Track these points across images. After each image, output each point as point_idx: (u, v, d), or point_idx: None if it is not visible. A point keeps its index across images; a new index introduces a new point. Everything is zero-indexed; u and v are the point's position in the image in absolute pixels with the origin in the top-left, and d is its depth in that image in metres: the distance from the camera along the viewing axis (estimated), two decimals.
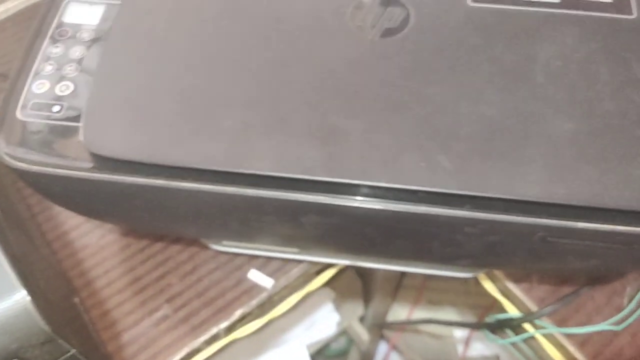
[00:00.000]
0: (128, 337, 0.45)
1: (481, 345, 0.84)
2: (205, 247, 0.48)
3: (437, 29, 0.38)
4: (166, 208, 0.36)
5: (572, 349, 0.43)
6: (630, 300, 0.44)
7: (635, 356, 0.43)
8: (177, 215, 0.37)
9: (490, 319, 0.49)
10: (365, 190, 0.33)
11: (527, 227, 0.32)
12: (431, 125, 0.34)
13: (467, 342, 0.84)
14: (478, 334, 0.77)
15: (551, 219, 0.32)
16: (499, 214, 0.32)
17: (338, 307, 0.89)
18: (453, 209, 0.32)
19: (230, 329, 0.46)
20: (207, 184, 0.33)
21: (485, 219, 0.32)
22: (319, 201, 0.33)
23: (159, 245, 0.49)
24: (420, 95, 0.35)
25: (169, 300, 0.46)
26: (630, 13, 0.38)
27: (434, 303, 0.86)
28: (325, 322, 0.86)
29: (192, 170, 0.33)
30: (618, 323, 0.43)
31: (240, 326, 0.46)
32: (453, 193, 0.32)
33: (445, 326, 0.77)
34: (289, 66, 0.37)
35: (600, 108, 0.34)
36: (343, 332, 0.90)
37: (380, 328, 0.91)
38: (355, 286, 0.92)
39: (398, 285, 0.84)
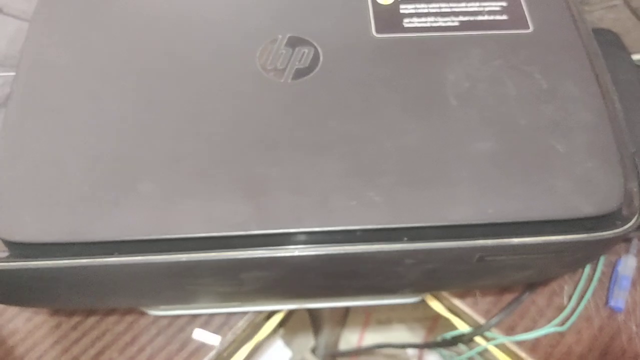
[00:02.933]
0: None
1: (434, 358, 0.84)
2: (143, 314, 0.45)
3: (347, 64, 0.38)
4: (95, 286, 0.34)
5: (523, 355, 0.44)
6: (569, 299, 0.46)
7: (584, 353, 0.44)
8: (107, 291, 0.35)
9: (442, 337, 0.49)
10: (301, 238, 0.32)
11: (464, 250, 0.32)
12: (355, 163, 0.34)
13: (419, 356, 0.84)
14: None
15: (486, 238, 0.32)
16: (435, 241, 0.32)
17: (288, 343, 0.88)
18: (390, 244, 0.32)
19: None
20: (135, 256, 0.32)
21: (422, 248, 0.32)
22: (255, 256, 0.32)
23: (92, 320, 0.46)
24: (340, 134, 0.35)
25: None
26: (527, 27, 0.40)
27: (383, 323, 0.86)
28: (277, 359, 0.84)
29: (116, 244, 0.32)
30: (562, 323, 0.45)
31: None
32: (388, 227, 0.32)
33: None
34: (203, 120, 0.36)
35: (513, 123, 0.35)
36: None
37: (333, 358, 0.90)
38: (303, 319, 0.91)
39: (345, 311, 0.84)
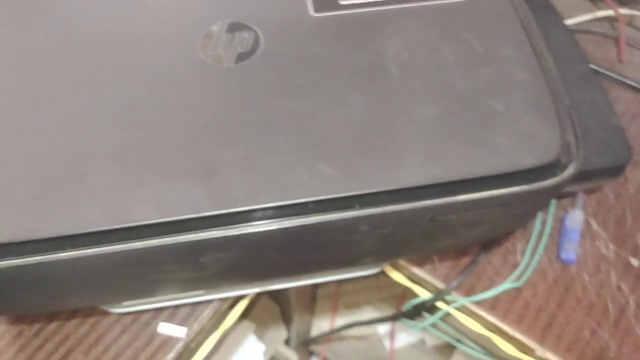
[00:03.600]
0: None
1: (405, 334, 0.86)
2: (106, 313, 0.45)
3: (287, 45, 0.39)
4: (52, 284, 0.34)
5: (483, 314, 0.45)
6: (522, 256, 0.48)
7: (541, 305, 0.46)
8: (66, 288, 0.35)
9: (406, 306, 0.51)
10: (257, 214, 0.33)
11: (415, 211, 0.33)
12: (305, 138, 0.35)
13: (391, 335, 0.86)
14: (400, 324, 0.79)
15: (435, 198, 0.33)
16: (387, 205, 0.33)
17: (261, 337, 0.88)
18: (342, 212, 0.33)
19: None
20: (88, 248, 0.31)
21: (374, 213, 0.33)
22: (210, 236, 0.32)
23: (54, 325, 0.45)
24: (287, 112, 0.36)
25: None
26: None
27: (351, 307, 0.87)
28: (251, 354, 0.85)
29: (69, 238, 0.31)
30: (517, 279, 0.46)
31: None
32: (340, 196, 0.33)
33: (367, 325, 0.78)
34: (149, 110, 0.36)
35: (453, 88, 0.37)
36: (272, 359, 0.89)
37: (306, 345, 0.90)
38: (273, 311, 0.91)
39: (313, 299, 0.84)
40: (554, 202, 0.50)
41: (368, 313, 0.86)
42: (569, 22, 0.62)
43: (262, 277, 0.42)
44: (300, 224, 0.33)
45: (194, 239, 0.32)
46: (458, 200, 0.33)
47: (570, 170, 0.34)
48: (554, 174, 0.34)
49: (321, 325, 0.88)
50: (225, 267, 0.35)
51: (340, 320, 0.87)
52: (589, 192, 0.51)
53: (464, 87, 0.37)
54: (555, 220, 0.50)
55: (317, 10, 0.40)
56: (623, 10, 0.61)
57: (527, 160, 0.34)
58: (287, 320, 0.89)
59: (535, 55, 0.38)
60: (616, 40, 0.61)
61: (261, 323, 0.89)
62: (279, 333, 0.90)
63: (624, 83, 0.57)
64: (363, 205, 0.33)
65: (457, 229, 0.36)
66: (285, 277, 0.44)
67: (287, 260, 0.37)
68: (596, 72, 0.58)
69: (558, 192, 0.36)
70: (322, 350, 0.90)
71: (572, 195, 0.51)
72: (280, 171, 0.33)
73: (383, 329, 0.87)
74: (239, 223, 0.32)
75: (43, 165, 0.33)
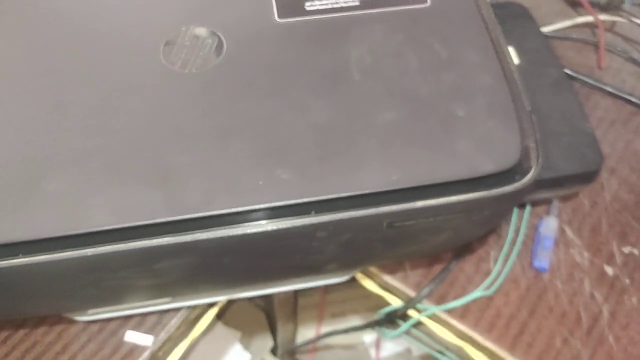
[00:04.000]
0: None
1: (391, 344, 0.85)
2: (73, 322, 0.45)
3: (251, 50, 0.39)
4: (6, 291, 0.34)
5: (454, 322, 0.45)
6: (495, 263, 0.47)
7: (513, 313, 0.45)
8: (20, 295, 0.35)
9: (379, 314, 0.50)
10: (211, 221, 0.32)
11: (372, 217, 0.33)
12: (264, 143, 0.34)
13: (377, 344, 0.85)
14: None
15: (392, 204, 0.33)
16: (341, 211, 0.32)
17: (247, 346, 0.87)
18: (298, 218, 0.32)
19: None
20: (40, 255, 0.31)
21: (330, 220, 0.32)
22: (163, 243, 0.32)
23: (21, 332, 0.45)
24: (248, 117, 0.35)
25: None
26: (424, 2, 0.41)
27: (337, 316, 0.87)
28: None
29: (23, 244, 0.31)
30: (488, 287, 0.46)
31: None
32: (296, 202, 0.33)
33: (353, 334, 0.78)
34: (110, 116, 0.35)
35: (415, 92, 0.36)
36: None
37: (292, 354, 0.90)
38: (259, 320, 0.90)
39: (295, 307, 0.84)
40: (528, 208, 0.50)
41: (354, 322, 0.85)
42: (549, 28, 0.62)
43: (225, 284, 0.42)
44: (255, 230, 0.32)
45: (148, 245, 0.32)
46: (415, 207, 0.33)
47: (530, 177, 0.34)
48: (514, 180, 0.34)
49: (307, 334, 0.88)
50: (182, 274, 0.35)
51: (326, 329, 0.86)
52: (564, 199, 0.51)
53: (426, 92, 0.36)
54: (530, 227, 0.49)
55: (281, 15, 0.40)
56: (603, 17, 0.61)
57: (486, 166, 0.33)
58: (273, 329, 0.88)
59: (499, 60, 0.38)
60: (596, 47, 0.61)
61: (247, 331, 0.88)
62: (265, 342, 0.90)
63: (602, 89, 0.57)
64: (319, 211, 0.33)
65: (418, 235, 0.36)
66: (250, 284, 0.43)
67: (246, 267, 0.36)
68: (574, 78, 0.58)
69: (519, 199, 0.36)
70: (308, 359, 0.89)
71: (547, 202, 0.50)
72: (237, 177, 0.33)
73: (369, 338, 0.86)
74: (194, 229, 0.32)
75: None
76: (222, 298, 0.45)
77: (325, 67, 0.38)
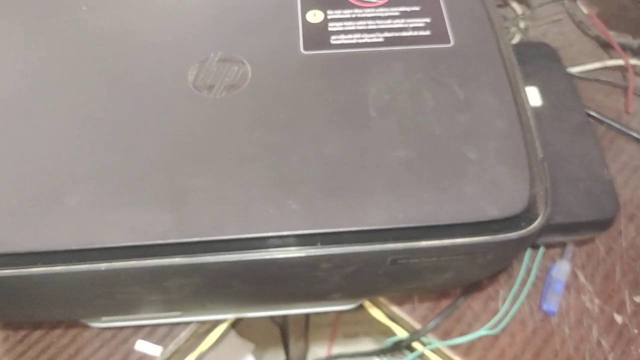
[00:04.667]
0: None
1: None
2: (88, 327, 0.46)
3: (274, 79, 0.40)
4: (24, 296, 0.35)
5: (458, 358, 0.45)
6: (504, 302, 0.47)
7: (517, 355, 0.45)
8: (38, 301, 0.37)
9: (385, 343, 0.51)
10: (220, 245, 0.34)
11: (376, 253, 0.34)
12: (277, 173, 0.35)
13: None
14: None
15: (396, 242, 0.34)
16: (347, 245, 0.33)
17: (259, 358, 0.88)
18: (303, 248, 0.33)
19: None
20: (57, 266, 0.33)
21: (335, 252, 0.33)
22: (174, 263, 0.33)
23: (38, 333, 0.47)
24: (263, 146, 0.37)
25: None
26: (448, 42, 0.42)
27: (350, 336, 0.87)
28: None
29: (40, 255, 0.33)
30: (495, 326, 0.46)
31: None
32: (304, 233, 0.34)
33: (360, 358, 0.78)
34: (132, 135, 0.37)
35: (429, 132, 0.37)
36: None
37: None
38: (273, 334, 0.91)
39: (307, 326, 0.85)
40: (541, 250, 0.50)
41: (366, 344, 0.86)
42: (579, 68, 0.61)
43: (233, 304, 0.43)
44: (262, 257, 0.33)
45: (158, 264, 0.33)
46: (419, 246, 0.33)
47: (536, 225, 0.34)
48: (519, 227, 0.34)
49: (318, 352, 0.88)
50: (191, 293, 0.36)
51: (338, 349, 0.86)
52: (579, 243, 0.50)
53: (439, 133, 0.37)
54: (542, 269, 0.49)
55: (307, 48, 0.42)
56: (634, 61, 0.61)
57: (492, 211, 0.34)
58: (286, 344, 0.89)
59: (516, 104, 0.38)
60: (625, 91, 0.60)
61: (260, 344, 0.89)
62: (277, 356, 0.90)
63: (628, 135, 0.57)
64: (325, 243, 0.34)
65: (422, 273, 0.36)
66: (257, 306, 0.44)
67: (253, 290, 0.37)
68: (601, 121, 0.58)
69: (524, 246, 0.36)
70: None
71: (562, 244, 0.50)
72: (248, 204, 0.34)
73: None
74: (203, 252, 0.33)
75: (23, 181, 0.35)
76: (230, 316, 0.46)
77: (343, 101, 0.39)
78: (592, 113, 0.58)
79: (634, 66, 0.60)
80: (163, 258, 0.33)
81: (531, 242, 0.35)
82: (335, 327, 0.88)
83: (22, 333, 0.47)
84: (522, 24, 0.65)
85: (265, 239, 0.34)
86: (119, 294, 0.36)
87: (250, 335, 0.88)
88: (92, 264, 0.33)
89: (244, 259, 0.33)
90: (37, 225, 0.33)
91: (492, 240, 0.33)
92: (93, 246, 0.33)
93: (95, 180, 0.35)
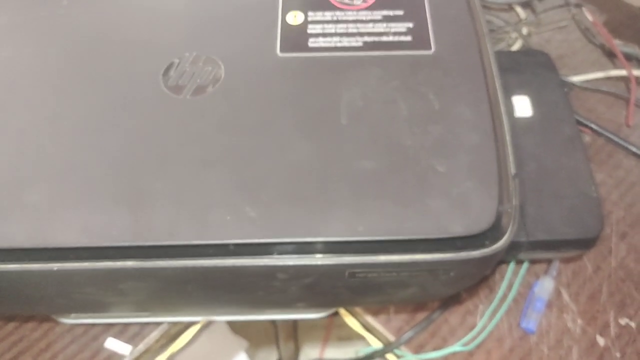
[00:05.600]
0: None
1: None
2: (59, 322, 0.46)
3: (246, 82, 0.39)
4: None
5: None
6: (481, 317, 0.46)
7: None
8: None
9: (360, 353, 0.50)
10: (174, 250, 0.33)
11: (333, 266, 0.33)
12: (239, 178, 0.35)
13: None
14: None
15: (353, 255, 0.33)
16: (303, 256, 0.32)
17: (252, 356, 0.88)
18: (258, 258, 0.33)
19: None
20: (11, 263, 0.33)
21: (291, 264, 0.32)
22: (126, 267, 0.32)
23: (12, 325, 0.47)
24: (228, 149, 0.36)
25: None
26: (429, 48, 0.41)
27: (343, 339, 0.86)
28: None
29: None
30: (470, 342, 0.44)
31: None
32: (260, 242, 0.33)
33: None
34: (98, 134, 0.37)
35: (399, 143, 0.36)
36: None
37: None
38: (268, 333, 0.91)
39: (295, 328, 0.84)
40: (525, 265, 0.48)
41: (357, 347, 0.85)
42: (580, 77, 0.59)
43: (196, 308, 0.43)
44: (216, 264, 0.33)
45: (111, 267, 0.33)
46: (377, 261, 0.32)
47: (500, 245, 0.33)
48: (484, 245, 0.33)
49: (311, 353, 0.88)
50: (148, 295, 0.36)
51: (330, 351, 0.86)
52: (566, 260, 0.49)
53: (409, 144, 0.36)
54: (525, 285, 0.48)
55: (283, 50, 0.41)
56: (637, 72, 0.59)
57: (456, 227, 0.32)
58: (278, 343, 0.89)
59: (492, 117, 0.37)
60: (627, 102, 0.58)
61: (254, 342, 0.89)
62: (271, 355, 0.90)
63: (627, 149, 0.55)
64: (282, 253, 0.33)
65: (383, 287, 0.35)
66: (223, 310, 0.44)
67: (210, 296, 0.37)
68: (599, 133, 0.56)
69: (488, 265, 0.35)
70: None
71: (548, 261, 0.48)
72: (205, 210, 0.33)
73: None
74: (157, 257, 0.33)
75: None
76: (199, 318, 0.45)
77: (314, 107, 0.38)
78: (591, 125, 0.56)
79: (637, 77, 0.58)
80: (116, 261, 0.33)
81: (496, 260, 0.34)
82: (329, 329, 0.87)
83: None
84: (524, 30, 0.63)
85: (220, 247, 0.33)
86: (75, 294, 0.36)
87: (244, 332, 0.88)
88: (44, 263, 0.32)
89: (198, 265, 0.33)
90: None
91: (455, 258, 0.32)
92: (46, 245, 0.32)
93: (57, 178, 0.35)
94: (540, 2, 0.66)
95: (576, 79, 0.59)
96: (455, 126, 0.36)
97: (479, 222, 0.33)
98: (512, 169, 0.35)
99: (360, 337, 0.85)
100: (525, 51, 0.59)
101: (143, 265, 0.33)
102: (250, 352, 0.88)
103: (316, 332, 0.88)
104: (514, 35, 0.63)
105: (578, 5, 0.65)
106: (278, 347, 0.89)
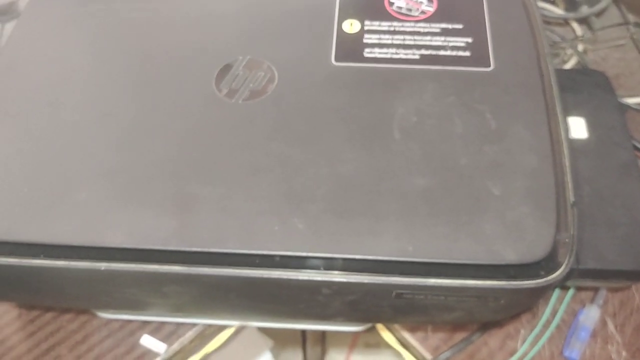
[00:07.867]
0: None
1: None
2: (97, 316, 0.47)
3: (300, 89, 0.39)
4: (25, 284, 0.36)
5: None
6: (523, 343, 0.45)
7: None
8: (38, 290, 0.37)
9: None
10: (220, 258, 0.33)
11: (380, 286, 0.32)
12: (288, 187, 0.34)
13: None
14: None
15: (403, 276, 0.32)
16: (350, 274, 0.32)
17: (277, 356, 0.88)
18: (305, 272, 0.32)
19: None
20: (59, 260, 0.33)
21: (337, 280, 0.32)
22: (171, 271, 0.32)
23: (50, 315, 0.47)
24: (278, 158, 0.35)
25: None
26: (487, 65, 0.39)
27: (371, 346, 0.86)
28: None
29: (43, 247, 0.33)
30: None
31: None
32: (306, 255, 0.32)
33: None
34: (149, 135, 0.37)
35: (453, 162, 0.35)
36: None
37: None
38: (294, 333, 0.91)
39: (324, 333, 0.83)
40: (571, 292, 0.47)
41: (385, 356, 0.84)
42: (636, 100, 0.57)
43: (234, 314, 0.42)
44: (261, 275, 0.32)
45: (156, 270, 0.32)
46: (426, 284, 0.32)
47: (556, 276, 0.31)
48: (538, 275, 0.32)
49: (337, 358, 0.87)
50: (189, 300, 0.36)
51: (356, 357, 0.85)
52: (613, 289, 0.47)
53: (464, 163, 0.35)
54: (569, 312, 0.46)
55: (338, 59, 0.40)
56: None
57: (509, 255, 0.31)
58: (304, 345, 0.88)
59: (551, 140, 0.36)
60: None
61: (280, 342, 0.88)
62: (296, 356, 0.90)
63: None
64: (328, 268, 0.32)
65: (429, 309, 0.34)
66: (259, 318, 0.43)
67: (252, 305, 0.36)
68: None
69: (540, 295, 0.33)
70: None
71: (594, 288, 0.47)
72: (253, 218, 0.33)
73: None
74: (202, 263, 0.33)
75: (36, 172, 0.35)
76: (235, 323, 0.45)
77: (367, 119, 0.37)
78: None
79: None
80: (162, 265, 0.32)
81: (549, 291, 0.33)
82: (357, 335, 0.86)
83: (34, 313, 0.47)
84: (580, 47, 0.61)
85: (266, 257, 0.32)
86: (119, 293, 0.36)
87: (270, 331, 0.88)
88: (91, 262, 0.32)
89: (243, 274, 0.32)
90: (43, 218, 0.33)
91: (506, 287, 0.31)
92: (94, 244, 0.32)
93: (106, 179, 0.35)
94: (597, 19, 0.64)
95: (631, 100, 0.57)
96: (512, 147, 0.35)
97: (535, 250, 0.32)
98: (571, 197, 0.34)
99: (389, 345, 0.84)
100: (583, 70, 0.57)
101: (189, 271, 0.32)
102: (274, 351, 0.88)
103: (342, 336, 0.88)
104: (569, 51, 0.61)
105: (637, 24, 0.63)
106: (304, 351, 0.89)
